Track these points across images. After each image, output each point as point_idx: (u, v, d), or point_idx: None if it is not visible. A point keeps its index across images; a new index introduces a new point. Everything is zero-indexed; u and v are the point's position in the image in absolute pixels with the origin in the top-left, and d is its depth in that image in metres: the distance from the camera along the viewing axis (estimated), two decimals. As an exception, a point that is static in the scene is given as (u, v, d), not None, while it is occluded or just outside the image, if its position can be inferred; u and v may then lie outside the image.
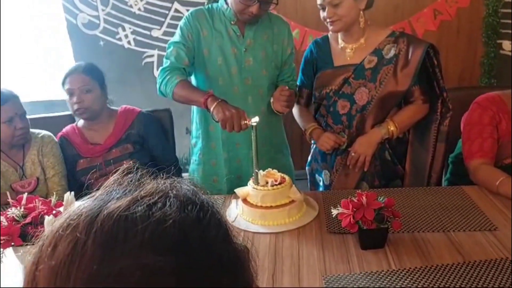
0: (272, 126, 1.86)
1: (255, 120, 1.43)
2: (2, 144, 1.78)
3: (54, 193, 1.75)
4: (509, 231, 1.30)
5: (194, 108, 1.87)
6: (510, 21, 3.01)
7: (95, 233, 0.38)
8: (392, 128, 1.72)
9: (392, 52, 1.69)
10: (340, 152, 1.80)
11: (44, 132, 1.89)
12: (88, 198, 0.44)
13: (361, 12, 1.67)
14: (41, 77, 3.37)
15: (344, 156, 1.79)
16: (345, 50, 1.75)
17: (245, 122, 1.47)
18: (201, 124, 1.85)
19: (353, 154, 1.74)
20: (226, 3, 1.73)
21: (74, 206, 0.61)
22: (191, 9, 3.03)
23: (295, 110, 1.93)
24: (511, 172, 1.61)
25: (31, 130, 1.86)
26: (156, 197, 0.42)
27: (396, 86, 1.70)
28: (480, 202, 1.49)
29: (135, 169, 0.48)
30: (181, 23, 1.76)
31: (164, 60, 1.74)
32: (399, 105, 1.79)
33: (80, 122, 1.97)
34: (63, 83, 1.84)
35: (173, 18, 3.16)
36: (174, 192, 0.43)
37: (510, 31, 3.03)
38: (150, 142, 1.95)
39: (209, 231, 0.42)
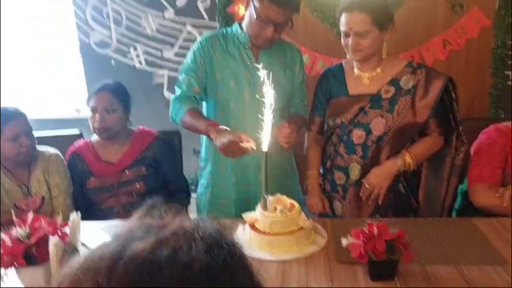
0: (283, 152, 1.85)
1: (264, 147, 1.42)
2: (8, 162, 1.78)
3: (60, 211, 1.74)
4: (521, 267, 1.27)
5: None
6: (518, 53, 3.02)
7: (118, 279, 0.36)
8: (409, 160, 1.67)
9: (411, 83, 1.66)
10: (354, 183, 1.74)
11: (51, 151, 1.88)
12: (109, 237, 0.42)
13: (384, 43, 1.66)
14: (51, 95, 3.40)
15: (358, 187, 1.72)
16: (361, 79, 1.72)
17: (246, 144, 1.46)
18: (210, 147, 1.84)
19: (367, 186, 1.68)
20: (241, 28, 1.74)
21: (79, 230, 0.59)
22: (204, 31, 3.10)
23: (307, 138, 1.90)
24: None
25: (38, 147, 1.85)
26: (182, 239, 0.39)
27: (415, 118, 1.66)
28: (490, 235, 1.47)
29: (158, 204, 0.46)
30: (194, 47, 1.77)
31: (176, 88, 1.77)
32: (412, 137, 1.75)
33: (94, 138, 1.96)
34: (89, 100, 1.85)
35: (185, 40, 3.19)
36: (200, 233, 0.41)
37: (519, 63, 3.03)
38: (164, 167, 1.94)
39: (237, 276, 0.40)
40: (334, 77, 1.79)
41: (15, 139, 1.72)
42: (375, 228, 1.18)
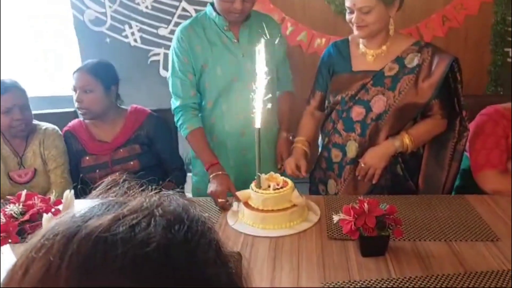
0: (276, 130, 1.84)
1: (256, 124, 1.41)
2: (5, 132, 1.79)
3: (58, 185, 1.76)
4: (509, 241, 1.28)
5: None
6: (518, 30, 2.99)
7: (70, 257, 0.34)
8: (407, 141, 1.64)
9: (416, 62, 1.63)
10: (350, 161, 1.72)
11: (48, 125, 1.89)
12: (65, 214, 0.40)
13: (391, 19, 1.62)
14: (47, 73, 3.38)
15: (354, 166, 1.70)
16: (366, 56, 1.69)
17: (221, 200, 1.54)
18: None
19: (363, 165, 1.66)
20: (214, 10, 1.72)
21: (73, 207, 0.58)
22: (198, 8, 3.05)
23: (304, 111, 1.87)
24: None
25: (37, 122, 1.86)
26: (141, 216, 0.37)
27: (416, 97, 1.63)
28: (483, 212, 1.47)
29: (121, 181, 0.44)
30: (173, 46, 1.75)
31: (172, 95, 1.78)
32: (414, 119, 1.72)
33: None
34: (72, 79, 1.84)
35: (180, 17, 3.14)
36: (161, 209, 0.39)
37: (519, 40, 3.00)
38: (158, 145, 1.94)
39: (198, 254, 0.38)
40: (339, 51, 1.75)
41: (7, 112, 1.72)
42: (365, 205, 1.19)
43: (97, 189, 0.44)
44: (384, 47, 1.66)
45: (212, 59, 1.72)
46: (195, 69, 1.74)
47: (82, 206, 0.41)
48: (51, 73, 3.35)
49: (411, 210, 1.49)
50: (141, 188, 0.44)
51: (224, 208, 1.55)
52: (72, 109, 2.28)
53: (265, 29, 1.74)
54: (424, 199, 1.59)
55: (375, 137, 1.67)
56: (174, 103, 1.78)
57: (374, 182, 1.67)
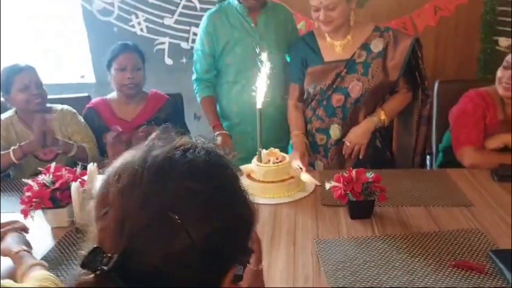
0: (283, 110, 2.06)
1: (258, 105, 1.58)
2: (23, 112, 1.95)
3: (91, 150, 1.96)
4: (482, 207, 1.46)
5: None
6: (507, 19, 3.13)
7: (149, 166, 0.54)
8: (383, 116, 1.87)
9: (381, 46, 1.83)
10: (335, 143, 1.93)
11: (62, 106, 2.06)
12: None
13: (352, 11, 1.81)
14: (47, 72, 3.47)
15: (339, 146, 1.91)
16: (334, 47, 1.87)
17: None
18: (225, 107, 2.14)
19: (348, 144, 1.87)
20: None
21: (98, 178, 0.78)
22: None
23: (288, 106, 2.04)
24: None
25: (50, 105, 2.02)
26: (188, 146, 0.58)
27: (387, 78, 1.84)
28: (461, 183, 1.64)
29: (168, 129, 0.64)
30: (201, 29, 2.06)
31: (193, 68, 2.13)
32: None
33: (110, 96, 2.12)
34: (114, 59, 2.00)
35: (184, 7, 3.29)
36: (200, 143, 0.59)
37: (507, 29, 3.15)
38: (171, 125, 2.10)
39: (226, 170, 0.59)
40: (308, 45, 1.92)
41: (25, 89, 1.89)
42: (353, 173, 1.36)
43: (154, 133, 0.61)
44: (349, 37, 1.85)
45: (234, 41, 2.00)
46: (217, 49, 2.03)
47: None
48: (51, 73, 3.46)
49: (397, 182, 1.66)
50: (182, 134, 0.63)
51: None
52: (85, 94, 2.45)
53: (280, 15, 2.06)
54: (409, 172, 1.77)
55: (356, 118, 1.89)
56: (193, 75, 2.14)
57: (361, 157, 1.87)
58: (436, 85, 2.27)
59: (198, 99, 2.14)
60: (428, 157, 2.19)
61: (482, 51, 3.21)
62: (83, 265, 0.50)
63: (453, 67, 3.27)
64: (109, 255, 0.50)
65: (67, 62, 3.47)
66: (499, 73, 1.81)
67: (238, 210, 0.57)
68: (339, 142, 1.92)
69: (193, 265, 0.51)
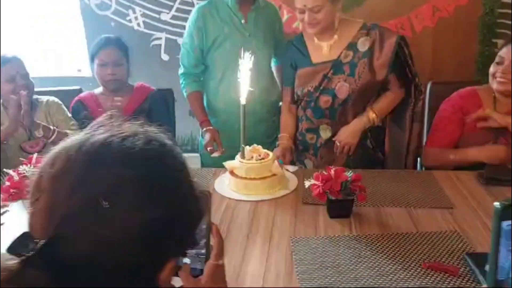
0: (270, 107, 2.08)
1: (242, 101, 1.58)
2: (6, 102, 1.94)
3: None
4: (464, 210, 1.44)
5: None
6: (506, 21, 3.10)
7: (83, 152, 0.54)
8: (372, 116, 1.85)
9: (367, 45, 1.81)
10: (325, 142, 1.92)
11: (48, 97, 2.06)
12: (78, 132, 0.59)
13: (337, 13, 1.78)
14: (47, 72, 3.48)
15: (329, 145, 1.91)
16: (321, 47, 1.85)
17: (210, 148, 1.91)
18: (212, 103, 2.13)
19: (338, 144, 1.86)
20: None
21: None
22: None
23: (281, 108, 2.05)
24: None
25: (37, 96, 2.02)
26: (129, 133, 0.57)
27: (374, 77, 1.82)
28: (445, 185, 1.62)
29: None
30: (189, 20, 2.03)
31: (180, 62, 2.10)
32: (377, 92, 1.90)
33: (98, 90, 2.14)
34: (95, 54, 2.01)
35: (182, 3, 3.28)
36: (142, 131, 0.59)
37: (506, 31, 3.12)
38: (154, 116, 2.10)
39: (167, 159, 0.57)
40: (297, 48, 1.92)
41: (11, 79, 1.89)
42: (332, 171, 1.35)
43: (96, 121, 0.61)
44: (335, 36, 1.83)
45: (223, 36, 1.98)
46: (206, 44, 2.00)
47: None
48: (51, 72, 3.46)
49: (380, 182, 1.65)
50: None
51: (212, 153, 1.90)
52: (77, 87, 2.45)
53: (269, 13, 2.06)
54: (395, 173, 1.76)
55: (345, 118, 1.88)
56: (180, 69, 2.10)
57: (350, 154, 1.87)
58: (429, 86, 2.25)
59: (185, 94, 2.11)
60: (419, 158, 2.17)
61: (480, 53, 3.19)
62: (9, 250, 0.50)
63: (451, 69, 3.24)
64: (36, 240, 0.50)
65: (66, 59, 3.47)
66: (492, 68, 1.79)
67: (177, 200, 0.56)
68: (329, 141, 1.91)
69: (124, 254, 0.51)
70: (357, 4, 3.13)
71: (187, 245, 0.60)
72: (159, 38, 3.42)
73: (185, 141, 3.49)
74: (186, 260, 0.86)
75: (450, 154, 1.78)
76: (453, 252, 1.21)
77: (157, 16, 3.35)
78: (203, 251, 0.84)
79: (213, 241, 0.82)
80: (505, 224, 0.74)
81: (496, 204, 0.75)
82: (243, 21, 1.99)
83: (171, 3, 3.30)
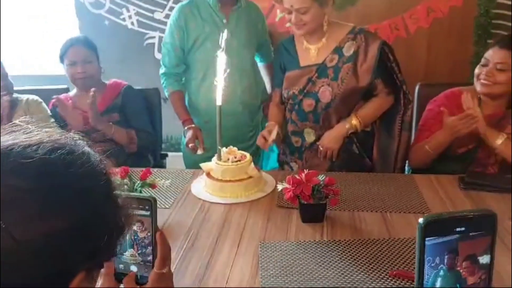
0: (251, 108, 2.07)
1: (218, 102, 1.56)
2: None
3: None
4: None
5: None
6: (501, 22, 3.06)
7: None
8: (355, 122, 1.81)
9: (352, 50, 1.77)
10: (309, 145, 1.90)
11: (28, 96, 2.06)
12: None
13: (326, 16, 1.75)
14: (47, 71, 3.50)
15: (313, 149, 1.89)
16: (309, 50, 1.83)
17: (192, 145, 1.89)
18: (193, 104, 2.12)
19: (321, 148, 1.84)
20: None
21: None
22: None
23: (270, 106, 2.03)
24: (463, 160, 1.75)
25: (17, 95, 2.02)
26: (33, 141, 0.54)
27: (357, 83, 1.78)
28: (424, 189, 1.60)
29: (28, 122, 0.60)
30: (170, 21, 2.01)
31: (161, 62, 2.09)
32: (365, 97, 1.86)
33: (72, 92, 2.14)
34: (64, 55, 2.01)
35: (175, 1, 3.27)
36: (49, 139, 0.56)
37: (501, 32, 3.07)
38: (127, 112, 2.10)
39: (73, 167, 0.54)
40: (287, 50, 1.90)
41: None
42: (303, 175, 1.33)
43: (10, 124, 0.59)
44: (324, 39, 1.80)
45: (204, 35, 1.96)
46: (187, 44, 1.99)
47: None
48: (50, 71, 3.47)
49: (359, 185, 1.63)
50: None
51: (194, 151, 1.89)
52: (64, 86, 2.45)
53: (251, 13, 2.03)
54: (376, 176, 1.73)
55: (328, 122, 1.85)
56: (161, 69, 2.09)
57: (333, 159, 1.84)
58: (417, 88, 2.22)
59: (166, 94, 2.10)
60: (407, 161, 2.14)
61: (475, 55, 3.14)
62: None
63: (446, 70, 3.21)
64: None
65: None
66: (477, 70, 1.77)
67: (80, 212, 0.53)
68: (314, 145, 1.89)
69: (20, 268, 0.49)
70: (350, 3, 3.11)
71: (105, 256, 0.58)
72: (153, 37, 3.42)
73: (177, 140, 3.48)
74: (133, 268, 0.85)
75: (425, 145, 1.77)
76: (422, 259, 1.18)
77: (150, 15, 3.35)
78: (150, 258, 0.83)
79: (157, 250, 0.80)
80: (427, 240, 0.71)
81: (420, 220, 0.72)
82: (224, 20, 1.97)
83: (165, 2, 3.30)
